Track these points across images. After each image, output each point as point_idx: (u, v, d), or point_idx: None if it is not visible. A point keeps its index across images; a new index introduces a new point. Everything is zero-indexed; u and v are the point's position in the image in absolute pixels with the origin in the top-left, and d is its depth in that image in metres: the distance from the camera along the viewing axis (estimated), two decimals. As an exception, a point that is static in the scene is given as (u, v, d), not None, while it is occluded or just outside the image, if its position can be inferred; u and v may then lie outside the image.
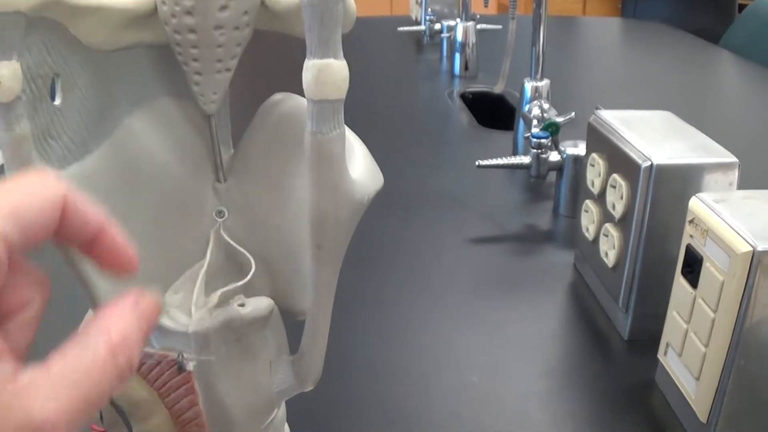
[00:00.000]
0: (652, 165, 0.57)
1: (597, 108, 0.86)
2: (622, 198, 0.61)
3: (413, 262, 0.77)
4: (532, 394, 0.57)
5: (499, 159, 0.86)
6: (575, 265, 0.75)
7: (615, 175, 0.62)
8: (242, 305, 0.35)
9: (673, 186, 0.58)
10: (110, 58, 0.36)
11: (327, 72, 0.30)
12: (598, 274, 0.68)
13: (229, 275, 0.39)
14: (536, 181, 0.86)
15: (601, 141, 0.66)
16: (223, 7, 0.35)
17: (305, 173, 0.37)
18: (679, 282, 0.52)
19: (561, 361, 0.61)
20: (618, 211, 0.61)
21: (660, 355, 0.56)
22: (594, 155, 0.67)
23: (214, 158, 0.39)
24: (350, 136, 0.37)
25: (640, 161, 0.58)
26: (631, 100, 1.37)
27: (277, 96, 0.40)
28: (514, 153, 1.06)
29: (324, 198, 0.32)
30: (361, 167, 0.36)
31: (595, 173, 0.67)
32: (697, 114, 1.27)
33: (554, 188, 0.89)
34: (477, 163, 0.85)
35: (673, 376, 0.54)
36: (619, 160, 0.62)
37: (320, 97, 0.30)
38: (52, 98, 0.32)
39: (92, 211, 0.26)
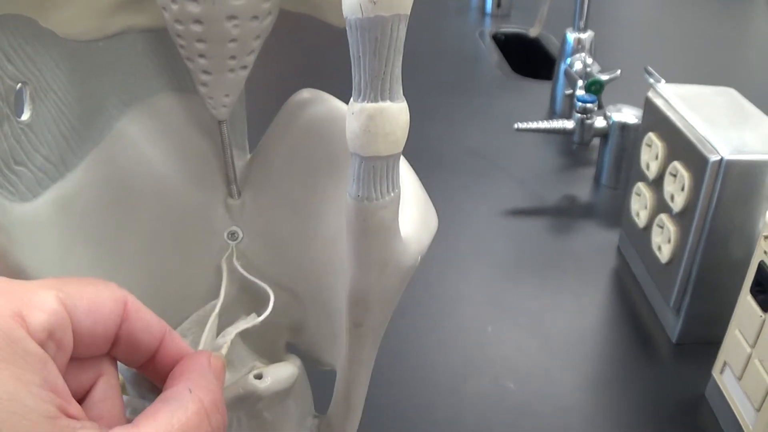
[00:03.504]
0: (721, 160, 0.50)
1: (647, 70, 0.78)
2: (683, 190, 0.54)
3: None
4: (572, 409, 0.51)
5: (539, 122, 0.78)
6: (619, 248, 0.69)
7: (676, 163, 0.55)
8: (259, 377, 0.28)
9: (743, 183, 0.51)
10: (93, 49, 0.28)
11: (380, 121, 0.21)
12: (647, 267, 0.62)
13: (244, 308, 0.32)
14: (578, 147, 0.78)
15: (660, 120, 0.58)
16: (238, -8, 0.27)
17: (340, 200, 0.30)
18: (747, 300, 0.46)
19: (603, 367, 0.55)
20: (677, 204, 0.55)
21: (715, 372, 0.51)
22: (651, 135, 0.60)
23: (226, 168, 0.32)
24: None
25: (707, 154, 0.51)
26: (677, 56, 1.28)
27: (305, 94, 0.32)
28: (552, 109, 0.98)
29: (368, 275, 0.24)
30: (413, 214, 0.27)
31: (651, 155, 0.60)
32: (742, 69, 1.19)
33: (597, 155, 0.81)
34: (515, 126, 0.78)
35: (728, 399, 0.49)
36: (682, 147, 0.55)
37: (370, 153, 0.21)
38: (19, 114, 0.26)
39: (156, 319, 0.24)
